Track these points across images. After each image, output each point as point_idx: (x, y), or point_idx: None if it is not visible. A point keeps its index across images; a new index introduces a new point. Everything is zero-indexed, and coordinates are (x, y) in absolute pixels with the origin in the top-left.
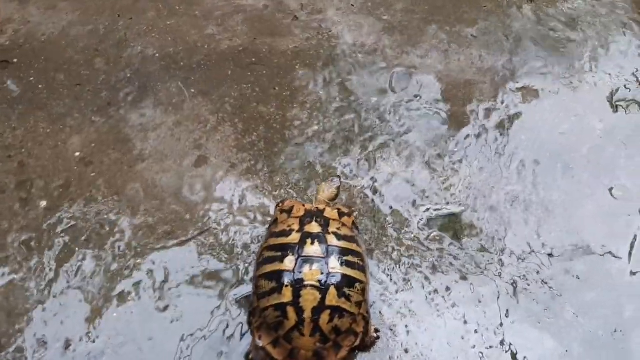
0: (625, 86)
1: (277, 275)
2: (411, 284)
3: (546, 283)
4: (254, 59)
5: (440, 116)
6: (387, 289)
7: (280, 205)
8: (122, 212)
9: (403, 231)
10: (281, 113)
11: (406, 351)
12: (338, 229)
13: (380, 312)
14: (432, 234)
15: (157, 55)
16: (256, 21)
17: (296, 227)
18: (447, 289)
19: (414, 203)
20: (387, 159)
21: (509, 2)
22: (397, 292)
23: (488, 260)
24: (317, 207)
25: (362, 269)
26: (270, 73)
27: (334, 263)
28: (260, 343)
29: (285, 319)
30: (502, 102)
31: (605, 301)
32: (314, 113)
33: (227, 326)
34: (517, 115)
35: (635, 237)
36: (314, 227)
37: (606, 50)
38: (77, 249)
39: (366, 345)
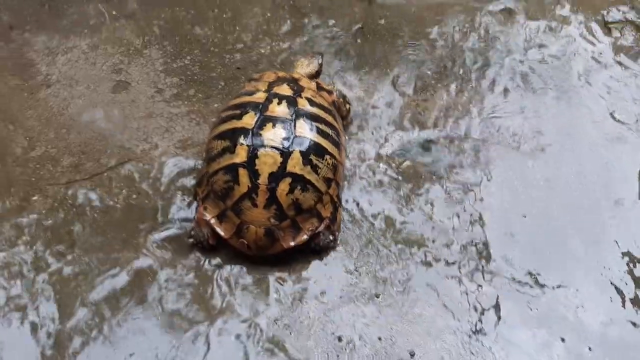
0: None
1: (232, 133)
2: None
3: None
4: None
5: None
6: None
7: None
8: (17, 143)
9: None
10: (220, 36)
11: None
12: (313, 97)
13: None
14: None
15: None
16: None
17: (263, 88)
18: None
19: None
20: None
21: None
22: None
23: None
24: (292, 75)
25: (337, 144)
26: None
27: (303, 126)
28: (206, 216)
29: (236, 184)
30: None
31: None
32: (259, 36)
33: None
34: None
35: None
36: (285, 90)
37: None
38: None
39: (323, 243)
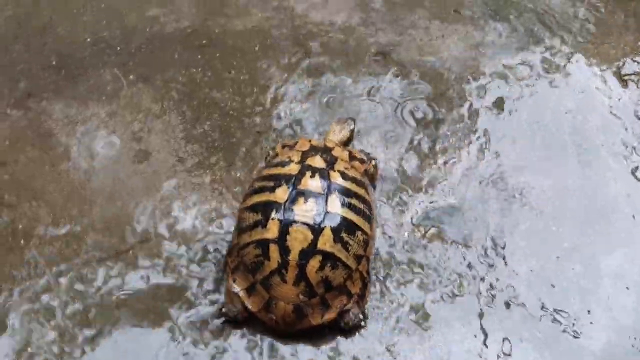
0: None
1: (264, 206)
2: None
3: None
4: (204, 41)
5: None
6: None
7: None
8: (40, 219)
9: None
10: (238, 99)
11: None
12: (346, 169)
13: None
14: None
15: (89, 40)
16: (207, 0)
17: (296, 158)
18: None
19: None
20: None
21: None
22: None
23: None
24: (325, 144)
25: (368, 219)
26: (224, 55)
27: (335, 202)
28: (235, 288)
29: (267, 260)
30: None
31: None
32: (278, 98)
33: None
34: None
35: None
36: (318, 161)
37: None
38: None
39: (352, 322)
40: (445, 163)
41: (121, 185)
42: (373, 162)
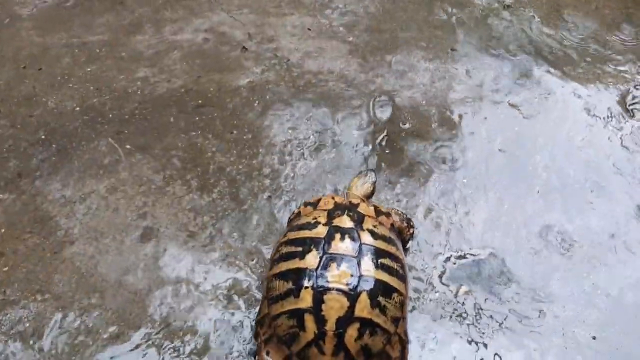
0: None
1: (295, 274)
2: None
3: None
4: (200, 101)
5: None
6: None
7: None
8: (49, 315)
9: None
10: (245, 161)
11: None
12: (375, 226)
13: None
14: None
15: (78, 108)
16: (197, 57)
17: (323, 219)
18: None
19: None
20: (383, 200)
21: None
22: None
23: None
24: (350, 201)
25: (403, 278)
26: (223, 115)
27: (368, 264)
28: None
29: (302, 331)
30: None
31: None
32: (285, 156)
33: None
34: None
35: None
36: (345, 221)
37: None
38: None
39: None
40: (466, 213)
41: (132, 269)
42: (412, 230)
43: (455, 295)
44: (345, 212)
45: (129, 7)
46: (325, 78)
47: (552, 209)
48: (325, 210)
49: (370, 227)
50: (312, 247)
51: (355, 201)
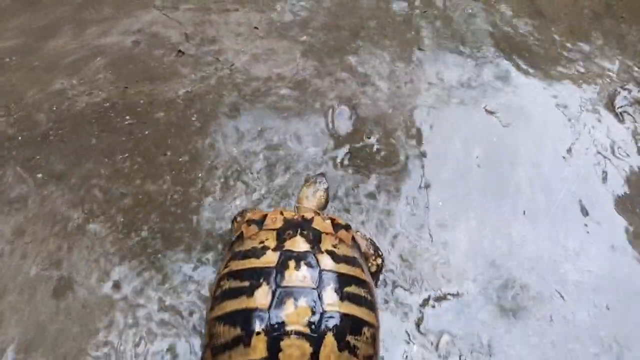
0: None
1: (244, 316)
2: None
3: None
4: (128, 117)
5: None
6: None
7: (243, 215)
8: None
9: None
10: (180, 189)
11: None
12: (335, 246)
13: None
14: None
15: None
16: (124, 64)
17: (272, 243)
18: None
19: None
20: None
21: None
22: None
23: None
24: (302, 216)
25: (372, 305)
26: (155, 133)
27: (331, 296)
28: None
29: None
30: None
31: None
32: (230, 182)
33: None
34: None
35: None
36: (299, 243)
37: None
38: None
39: None
40: (444, 244)
41: (45, 333)
42: (379, 260)
43: (437, 348)
44: (298, 232)
45: (45, 6)
46: (275, 85)
47: (540, 234)
48: (273, 230)
49: (330, 248)
50: (261, 280)
51: (308, 215)
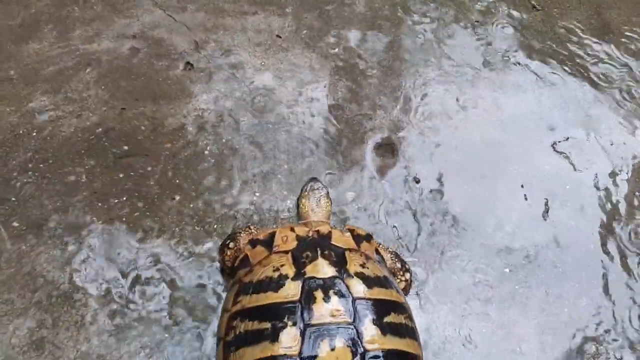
0: None
1: None
2: None
3: None
4: (126, 147)
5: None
6: None
7: (245, 231)
8: None
9: None
10: (189, 246)
11: None
12: (363, 265)
13: None
14: None
15: None
16: (120, 78)
17: (289, 269)
18: None
19: None
20: None
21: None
22: None
23: None
24: (316, 231)
25: (413, 333)
26: (161, 168)
27: (372, 332)
28: None
29: None
30: None
31: None
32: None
33: None
34: None
35: None
36: (323, 268)
37: None
38: None
39: None
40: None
41: None
42: (407, 275)
43: None
44: (318, 252)
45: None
46: (302, 111)
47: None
48: (287, 252)
49: (359, 270)
50: (285, 319)
51: (323, 229)
